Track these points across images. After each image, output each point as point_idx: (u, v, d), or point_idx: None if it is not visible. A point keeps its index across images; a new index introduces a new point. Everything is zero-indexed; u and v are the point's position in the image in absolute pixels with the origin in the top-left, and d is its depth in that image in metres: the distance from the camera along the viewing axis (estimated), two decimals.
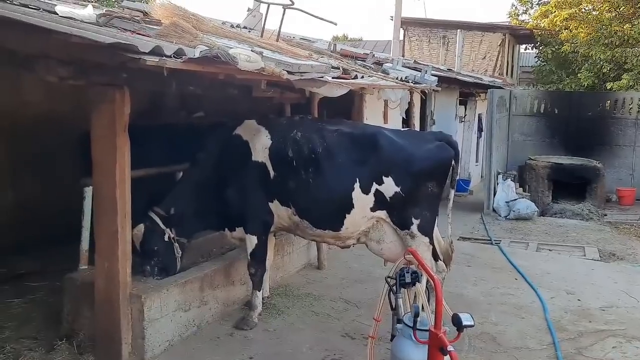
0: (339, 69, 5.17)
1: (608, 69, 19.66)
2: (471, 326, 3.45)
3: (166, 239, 5.28)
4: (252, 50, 3.64)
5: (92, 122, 4.45)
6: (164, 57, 3.10)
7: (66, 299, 5.04)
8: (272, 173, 5.31)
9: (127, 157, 4.48)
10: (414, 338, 3.59)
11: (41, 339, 5.01)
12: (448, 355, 3.31)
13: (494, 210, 11.93)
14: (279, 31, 5.83)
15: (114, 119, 4.34)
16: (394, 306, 4.08)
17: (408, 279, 4.08)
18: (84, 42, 3.29)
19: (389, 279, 4.14)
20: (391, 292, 4.11)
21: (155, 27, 4.06)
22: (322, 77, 4.65)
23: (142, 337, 4.67)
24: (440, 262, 5.58)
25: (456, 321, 3.43)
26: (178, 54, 3.31)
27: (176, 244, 5.35)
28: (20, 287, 6.19)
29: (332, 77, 4.89)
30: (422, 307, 3.76)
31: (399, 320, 3.90)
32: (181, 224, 5.41)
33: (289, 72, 3.92)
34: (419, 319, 3.61)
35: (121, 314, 4.56)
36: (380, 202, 5.14)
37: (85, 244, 5.04)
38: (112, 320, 4.58)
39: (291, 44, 6.59)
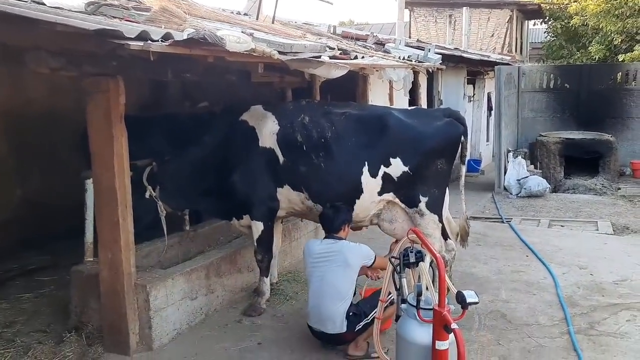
0: (334, 48, 5.07)
1: (619, 40, 19.26)
2: (475, 303, 3.39)
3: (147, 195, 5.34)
4: (242, 32, 3.57)
5: (88, 113, 4.43)
6: (149, 42, 3.04)
7: (73, 292, 5.06)
8: (281, 158, 5.25)
9: (125, 147, 4.46)
10: (418, 317, 3.54)
11: (51, 332, 5.05)
12: (452, 334, 3.26)
13: (505, 188, 11.80)
14: (274, 13, 5.75)
15: (109, 109, 4.32)
16: (397, 286, 4.02)
17: (412, 259, 4.00)
18: (70, 31, 3.24)
19: (392, 259, 4.08)
20: (395, 273, 4.05)
21: (145, 13, 4.01)
22: (319, 57, 4.56)
23: (149, 327, 4.67)
24: (450, 241, 5.52)
25: (460, 299, 3.38)
26: (166, 38, 3.26)
27: (160, 203, 5.39)
28: (30, 282, 6.26)
29: (330, 58, 4.79)
30: (427, 287, 3.69)
31: (404, 300, 3.85)
32: (171, 193, 5.46)
33: (281, 53, 3.85)
34: (422, 298, 3.55)
35: (127, 304, 4.57)
36: (388, 184, 5.08)
37: (89, 236, 5.04)
38: (118, 311, 4.60)
39: (287, 25, 6.50)
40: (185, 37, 3.16)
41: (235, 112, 5.50)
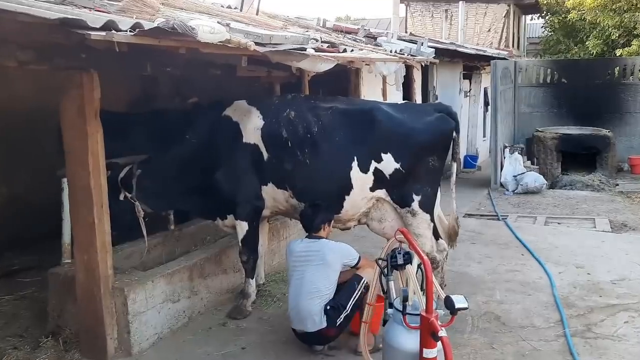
0: (318, 40, 4.87)
1: (617, 35, 19.15)
2: (465, 309, 3.21)
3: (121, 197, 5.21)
4: (218, 22, 3.38)
5: (61, 109, 4.24)
6: (112, 32, 2.85)
7: (50, 295, 4.88)
8: (265, 155, 5.07)
9: (100, 144, 4.26)
10: (404, 323, 3.36)
11: (28, 337, 4.88)
12: (440, 342, 3.08)
13: (501, 185, 11.61)
14: (258, 4, 5.56)
15: (83, 105, 4.12)
16: (384, 289, 3.84)
17: (400, 261, 3.83)
18: (34, 21, 3.05)
19: (380, 261, 3.90)
20: (382, 275, 3.87)
21: (116, 3, 3.81)
22: (304, 50, 4.36)
23: (128, 332, 4.49)
24: (441, 241, 5.34)
25: (449, 304, 3.19)
26: (134, 28, 3.06)
27: (137, 203, 5.25)
28: (12, 283, 6.07)
29: (315, 50, 4.59)
30: (414, 291, 3.51)
31: (390, 305, 3.67)
32: (150, 193, 5.30)
33: (259, 44, 3.65)
34: (409, 303, 3.37)
35: (104, 308, 4.39)
36: (380, 180, 4.90)
37: (67, 237, 4.85)
38: (95, 315, 4.41)
39: (275, 18, 6.29)
40: (154, 26, 2.96)
41: (218, 107, 5.30)
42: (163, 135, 5.38)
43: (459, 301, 3.19)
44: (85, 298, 4.43)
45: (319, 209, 4.67)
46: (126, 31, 3.02)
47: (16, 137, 7.15)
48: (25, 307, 5.48)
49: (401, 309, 3.38)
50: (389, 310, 3.58)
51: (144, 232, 5.29)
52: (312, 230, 4.62)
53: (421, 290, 3.54)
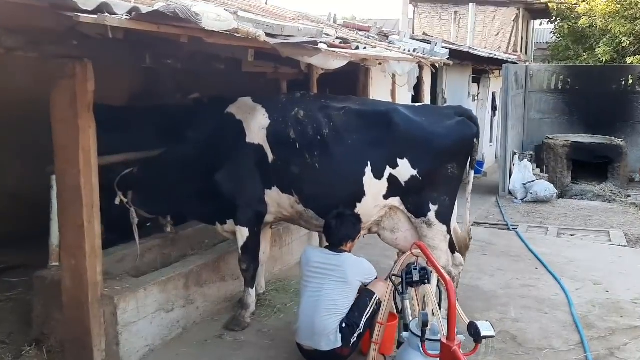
0: (331, 35, 4.53)
1: (628, 43, 18.75)
2: (491, 337, 2.88)
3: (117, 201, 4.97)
4: (225, 10, 3.05)
5: (52, 101, 3.89)
6: (106, 14, 2.51)
7: (36, 300, 4.55)
8: (270, 156, 4.72)
9: (92, 140, 3.92)
10: (422, 350, 3.02)
11: (10, 343, 4.56)
12: None
13: (510, 192, 11.28)
14: None
15: (75, 97, 3.79)
16: (399, 309, 3.51)
17: (416, 277, 3.50)
18: (20, 1, 2.72)
19: (393, 277, 3.57)
20: (397, 293, 3.53)
21: None
22: (316, 43, 4.02)
23: (117, 343, 4.15)
24: (458, 255, 4.98)
25: (474, 331, 2.86)
26: (132, 12, 2.72)
27: (132, 209, 5.01)
28: None
29: (328, 46, 4.25)
30: (433, 312, 3.18)
31: (406, 327, 3.34)
32: (147, 197, 5.02)
33: (269, 35, 3.31)
34: (428, 328, 3.04)
35: (91, 317, 4.05)
36: (394, 188, 4.55)
37: (54, 239, 4.52)
38: (82, 324, 4.07)
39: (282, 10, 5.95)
40: (152, 10, 2.62)
41: (220, 104, 4.96)
42: (159, 133, 5.05)
43: (485, 328, 2.86)
44: (72, 306, 4.09)
45: (345, 223, 4.26)
46: (122, 15, 2.67)
47: (8, 129, 6.81)
48: (10, 310, 5.16)
49: (420, 334, 3.04)
50: (404, 334, 3.24)
51: (137, 239, 4.99)
52: (332, 243, 4.23)
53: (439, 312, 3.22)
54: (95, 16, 2.48)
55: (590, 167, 11.70)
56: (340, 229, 4.22)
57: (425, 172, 4.47)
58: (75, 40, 3.33)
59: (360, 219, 4.48)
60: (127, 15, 2.64)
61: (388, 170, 4.52)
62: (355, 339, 3.99)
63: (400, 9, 14.46)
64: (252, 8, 4.78)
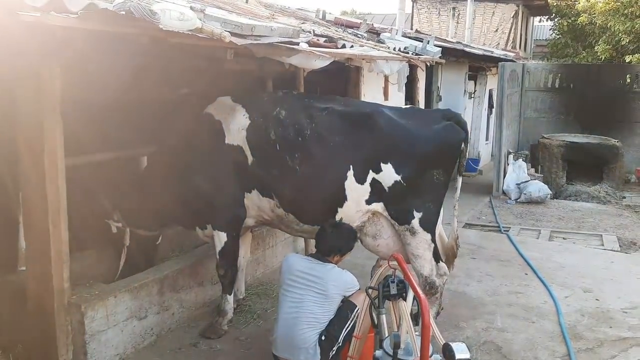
0: (310, 32, 4.34)
1: (627, 41, 18.58)
2: (467, 359, 2.71)
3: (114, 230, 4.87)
4: (191, 8, 2.87)
5: (17, 100, 3.71)
6: (52, 13, 2.33)
7: (2, 305, 4.37)
8: (250, 158, 4.56)
9: (59, 141, 3.74)
10: None
11: None
12: None
13: (503, 192, 11.10)
14: None
15: (40, 96, 3.61)
16: (375, 323, 3.34)
17: (394, 290, 3.33)
18: None
19: (369, 290, 3.40)
20: (372, 306, 3.37)
21: None
22: (297, 44, 3.84)
23: (84, 353, 4.00)
24: (442, 264, 4.81)
25: (448, 353, 2.70)
26: (88, 10, 2.54)
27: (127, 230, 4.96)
28: None
29: (309, 45, 4.06)
30: (407, 331, 3.01)
31: (381, 343, 3.17)
32: (137, 216, 4.86)
33: (237, 35, 3.13)
34: (401, 348, 2.88)
35: (57, 326, 3.90)
36: (377, 193, 4.38)
37: (22, 242, 4.34)
38: (47, 333, 3.92)
39: (270, 7, 5.75)
40: (103, 8, 2.43)
41: (198, 103, 4.78)
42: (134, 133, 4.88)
43: (460, 351, 2.70)
44: (37, 313, 3.94)
45: (341, 234, 4.07)
46: (77, 13, 2.49)
47: None
48: None
49: (391, 354, 2.88)
50: (378, 353, 3.08)
51: (121, 265, 4.98)
52: (321, 252, 4.03)
53: (416, 330, 3.06)
54: (38, 14, 2.30)
55: (586, 168, 11.51)
56: (333, 239, 4.02)
57: (410, 178, 4.30)
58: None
59: (358, 236, 4.32)
60: (74, 16, 2.45)
61: (371, 175, 4.36)
62: (334, 352, 3.83)
63: (397, 4, 14.18)
64: (225, 5, 4.57)
